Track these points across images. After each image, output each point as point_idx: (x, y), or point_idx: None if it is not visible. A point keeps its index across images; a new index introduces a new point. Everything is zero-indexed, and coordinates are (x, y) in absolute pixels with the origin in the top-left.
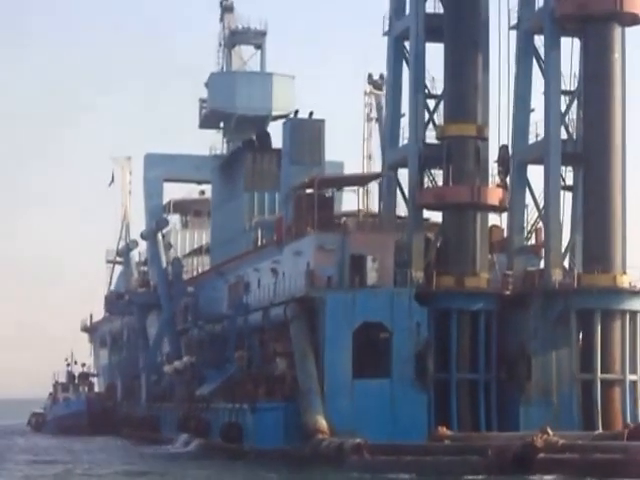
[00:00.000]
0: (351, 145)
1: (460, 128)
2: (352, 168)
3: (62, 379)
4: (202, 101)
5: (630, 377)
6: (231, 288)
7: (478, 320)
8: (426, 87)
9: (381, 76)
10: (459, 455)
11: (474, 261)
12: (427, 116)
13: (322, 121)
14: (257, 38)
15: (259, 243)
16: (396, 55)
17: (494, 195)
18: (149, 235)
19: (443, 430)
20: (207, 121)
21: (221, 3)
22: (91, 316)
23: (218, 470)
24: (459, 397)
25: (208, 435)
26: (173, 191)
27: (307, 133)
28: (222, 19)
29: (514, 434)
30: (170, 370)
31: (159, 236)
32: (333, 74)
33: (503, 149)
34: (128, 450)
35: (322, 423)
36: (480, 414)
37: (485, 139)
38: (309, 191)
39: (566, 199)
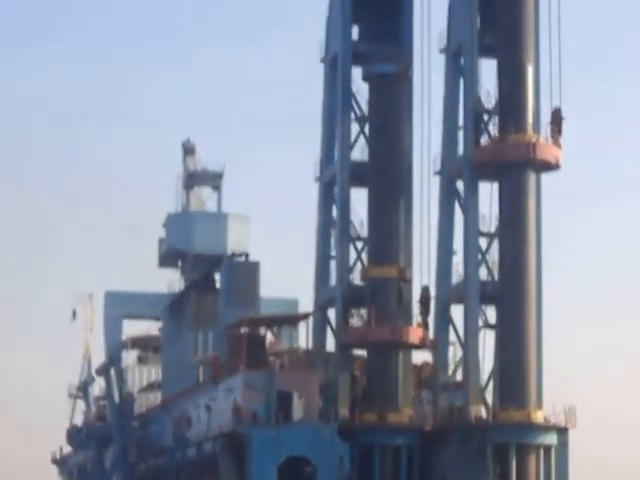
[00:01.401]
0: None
1: (382, 270)
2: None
3: None
4: (161, 240)
5: None
6: (175, 423)
7: (400, 454)
8: (355, 229)
9: None
10: None
11: (396, 397)
12: (355, 257)
13: (257, 263)
14: (214, 180)
15: (200, 380)
16: (326, 200)
17: (415, 334)
18: (103, 371)
19: None
20: (165, 260)
21: (183, 145)
22: (61, 448)
23: None
24: None
25: None
26: (134, 326)
27: (242, 275)
28: (184, 161)
29: None
30: None
31: (112, 372)
32: (292, 212)
33: (424, 290)
34: None
35: None
36: None
37: (407, 280)
38: (244, 330)
39: (490, 336)
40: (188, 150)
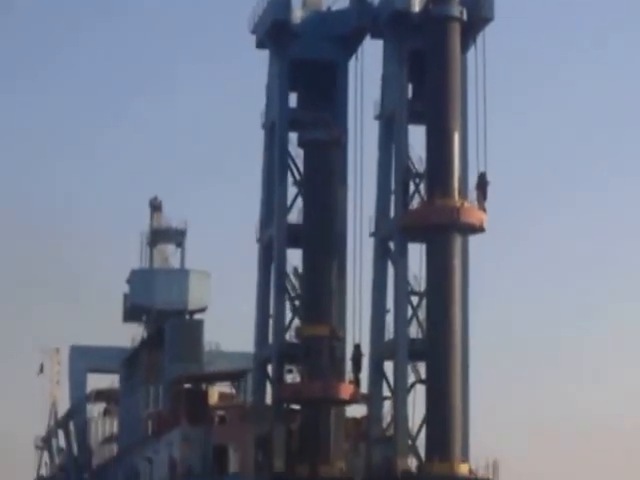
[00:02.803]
0: None
1: (315, 329)
2: None
3: None
4: (125, 296)
5: None
6: (126, 476)
7: None
8: (294, 289)
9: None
10: None
11: (328, 450)
12: (291, 316)
13: (200, 321)
14: (177, 237)
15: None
16: (265, 260)
17: (346, 391)
18: (62, 424)
19: None
20: (130, 315)
21: (151, 203)
22: None
23: None
24: None
25: None
26: (102, 379)
27: (186, 332)
28: (151, 218)
29: None
30: None
31: (71, 425)
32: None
33: (356, 348)
34: None
35: None
36: None
37: (340, 339)
38: (187, 386)
39: (422, 391)
40: (155, 207)
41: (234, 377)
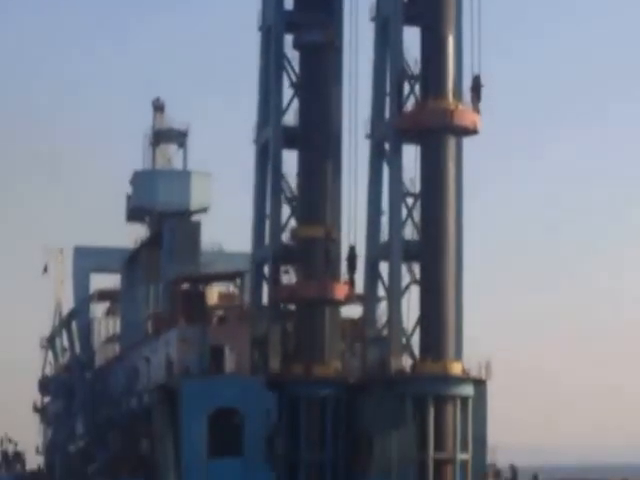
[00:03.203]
0: None
1: (309, 230)
2: None
3: None
4: (128, 197)
5: (461, 456)
6: (126, 375)
7: (326, 405)
8: (291, 190)
9: None
10: None
11: (323, 351)
12: (287, 217)
13: (198, 223)
14: (179, 138)
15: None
16: (262, 162)
17: (340, 291)
18: (65, 324)
19: None
20: (132, 216)
21: (153, 103)
22: (42, 398)
23: None
24: (307, 475)
25: None
26: (106, 279)
27: (184, 233)
28: (154, 118)
29: None
30: (74, 449)
31: (73, 325)
32: None
33: (351, 249)
34: None
35: None
36: None
37: (334, 240)
38: (185, 286)
39: (417, 292)
40: (158, 108)
41: (230, 278)
